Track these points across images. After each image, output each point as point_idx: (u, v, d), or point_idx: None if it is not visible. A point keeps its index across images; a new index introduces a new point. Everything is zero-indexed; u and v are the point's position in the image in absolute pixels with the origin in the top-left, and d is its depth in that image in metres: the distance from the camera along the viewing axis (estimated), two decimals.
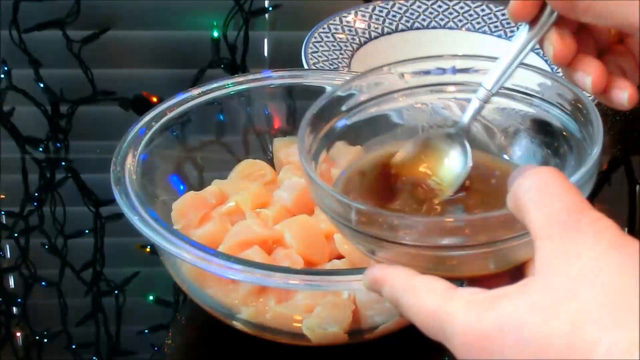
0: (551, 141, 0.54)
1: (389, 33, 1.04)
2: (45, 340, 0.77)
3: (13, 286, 0.82)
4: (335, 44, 1.00)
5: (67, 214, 0.88)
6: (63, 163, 0.96)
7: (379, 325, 0.68)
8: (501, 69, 0.53)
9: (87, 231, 0.86)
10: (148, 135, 0.75)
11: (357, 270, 0.64)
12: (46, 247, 0.85)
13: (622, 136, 0.98)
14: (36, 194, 0.91)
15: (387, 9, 1.05)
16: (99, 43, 1.12)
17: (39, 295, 0.81)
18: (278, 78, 0.82)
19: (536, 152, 0.55)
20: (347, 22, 1.03)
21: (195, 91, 0.79)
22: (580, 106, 0.52)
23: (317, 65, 0.95)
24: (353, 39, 1.02)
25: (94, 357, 0.76)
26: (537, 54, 0.90)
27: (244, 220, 0.73)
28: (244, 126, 0.83)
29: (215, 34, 1.14)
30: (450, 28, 1.05)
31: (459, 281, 0.46)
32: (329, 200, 0.48)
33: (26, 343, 0.77)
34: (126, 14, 1.19)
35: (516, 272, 0.46)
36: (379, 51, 1.02)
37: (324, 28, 1.01)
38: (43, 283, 0.82)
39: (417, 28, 1.05)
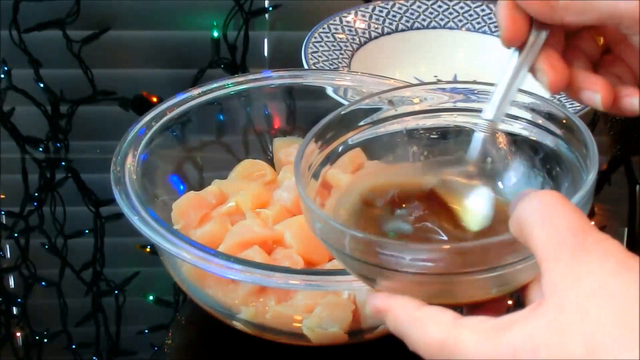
0: (545, 165, 0.54)
1: (389, 33, 1.04)
2: (45, 340, 0.77)
3: (13, 286, 0.82)
4: (335, 44, 1.00)
5: (67, 214, 0.88)
6: (63, 163, 0.96)
7: (379, 325, 0.68)
8: (499, 97, 0.53)
9: (87, 231, 0.86)
10: (148, 135, 0.75)
11: None
12: (46, 247, 0.85)
13: (622, 136, 0.98)
14: (36, 194, 0.91)
15: (387, 9, 1.05)
16: (99, 43, 1.12)
17: (39, 295, 0.81)
18: (278, 78, 0.82)
19: (530, 176, 0.55)
20: (347, 22, 1.03)
21: (195, 91, 0.79)
22: (573, 128, 0.51)
23: (317, 65, 0.95)
24: (353, 39, 1.02)
25: (94, 357, 0.76)
26: None
27: (244, 220, 0.73)
28: (244, 126, 0.83)
29: (215, 34, 1.14)
30: (450, 28, 1.05)
31: (457, 309, 0.45)
32: (327, 229, 0.47)
33: (26, 343, 0.77)
34: (126, 14, 1.19)
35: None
36: (379, 51, 1.02)
37: (324, 28, 1.01)
38: (43, 283, 0.82)
39: (417, 28, 1.05)
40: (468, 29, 1.04)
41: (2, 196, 0.91)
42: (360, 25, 1.03)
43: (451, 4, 1.06)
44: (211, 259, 0.63)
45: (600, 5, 0.49)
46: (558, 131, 0.53)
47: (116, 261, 0.84)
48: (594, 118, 0.98)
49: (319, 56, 0.97)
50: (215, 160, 0.82)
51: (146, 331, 0.77)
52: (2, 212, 0.89)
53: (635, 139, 0.98)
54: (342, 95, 0.83)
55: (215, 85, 0.80)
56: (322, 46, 0.99)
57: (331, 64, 0.96)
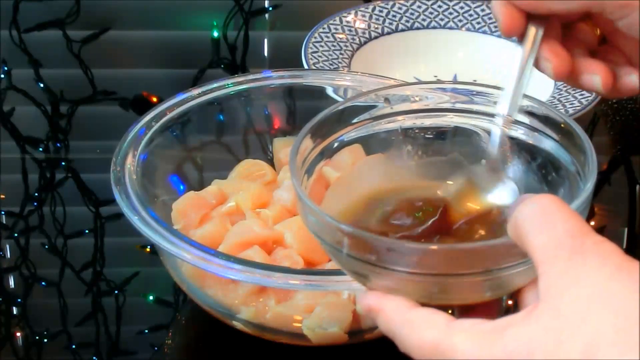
0: (542, 170, 0.54)
1: (389, 33, 1.04)
2: (45, 340, 0.77)
3: (13, 286, 0.81)
4: (335, 44, 1.00)
5: (67, 214, 0.88)
6: (63, 163, 0.95)
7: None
8: (511, 91, 0.53)
9: (87, 231, 0.86)
10: (148, 135, 0.75)
11: None
12: (46, 247, 0.85)
13: (622, 136, 0.98)
14: (36, 194, 0.91)
15: (387, 9, 1.05)
16: (99, 43, 1.12)
17: (39, 295, 0.81)
18: (278, 78, 0.82)
19: (528, 181, 0.54)
20: (347, 22, 1.03)
21: (195, 91, 0.80)
22: (572, 134, 0.51)
23: (317, 65, 0.95)
24: (353, 39, 1.02)
25: (94, 357, 0.76)
26: None
27: (244, 220, 0.73)
28: (244, 126, 0.83)
29: (215, 34, 1.14)
30: (450, 28, 1.05)
31: (447, 310, 0.45)
32: (322, 224, 0.47)
33: (26, 343, 0.77)
34: (126, 14, 1.19)
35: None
36: (379, 51, 1.02)
37: (324, 28, 1.01)
38: (43, 283, 0.82)
39: (417, 28, 1.05)
40: (468, 29, 1.04)
41: (2, 196, 0.91)
42: (360, 25, 1.03)
43: (451, 4, 1.06)
44: (211, 259, 0.63)
45: None
46: (556, 136, 0.53)
47: (116, 261, 0.84)
48: (594, 118, 0.98)
49: (319, 56, 0.97)
50: (215, 160, 0.82)
51: (146, 331, 0.77)
52: (2, 212, 0.89)
53: (635, 139, 0.98)
54: (342, 95, 0.83)
55: (215, 85, 0.80)
56: (322, 46, 0.99)
57: (331, 64, 0.96)
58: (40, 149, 0.97)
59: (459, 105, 0.56)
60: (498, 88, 0.54)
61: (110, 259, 0.83)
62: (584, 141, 0.50)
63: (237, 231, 0.71)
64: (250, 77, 0.82)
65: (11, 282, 0.82)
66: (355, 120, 0.56)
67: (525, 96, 0.54)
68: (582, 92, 0.90)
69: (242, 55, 1.12)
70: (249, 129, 0.83)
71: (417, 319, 0.44)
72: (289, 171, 0.77)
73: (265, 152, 0.83)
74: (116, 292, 0.80)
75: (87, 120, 1.02)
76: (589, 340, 0.38)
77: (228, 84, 0.81)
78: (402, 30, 1.04)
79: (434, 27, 1.05)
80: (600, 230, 0.84)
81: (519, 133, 0.54)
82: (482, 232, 0.49)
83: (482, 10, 1.05)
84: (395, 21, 1.05)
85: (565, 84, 0.92)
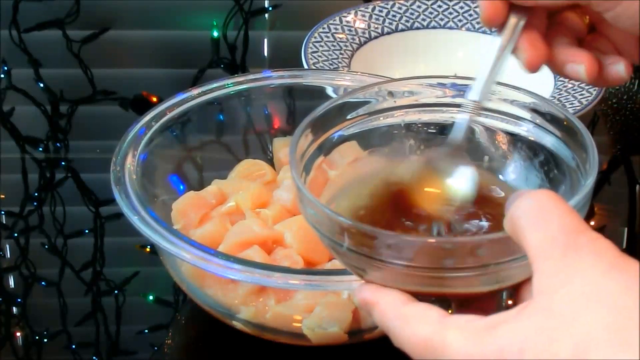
0: (543, 166, 0.54)
1: (388, 33, 1.04)
2: (45, 340, 0.77)
3: (13, 286, 0.81)
4: (335, 44, 1.00)
5: (67, 213, 0.88)
6: (63, 163, 0.95)
7: (379, 325, 0.68)
8: (484, 78, 0.53)
9: (87, 231, 0.86)
10: (148, 135, 0.75)
11: None
12: (46, 247, 0.85)
13: (622, 136, 0.98)
14: (36, 194, 0.91)
15: (387, 9, 1.05)
16: (98, 43, 1.12)
17: (39, 295, 0.81)
18: (278, 78, 0.82)
19: (529, 177, 0.54)
20: (347, 22, 1.03)
21: (195, 91, 0.80)
22: (574, 131, 0.51)
23: (317, 65, 0.95)
24: (353, 39, 1.02)
25: (94, 357, 0.76)
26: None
27: (244, 220, 0.73)
28: (244, 126, 0.83)
29: (215, 33, 1.14)
30: (450, 28, 1.05)
31: (445, 304, 0.45)
32: (320, 216, 0.47)
33: (26, 343, 0.77)
34: (126, 14, 1.19)
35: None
36: (379, 51, 1.02)
37: (324, 28, 1.01)
38: (43, 283, 0.82)
39: (417, 28, 1.05)
40: (468, 29, 1.04)
41: (2, 196, 0.91)
42: (360, 25, 1.03)
43: (451, 4, 1.06)
44: (211, 258, 0.63)
45: None
46: (558, 133, 0.53)
47: (116, 261, 0.84)
48: (594, 118, 0.98)
49: (319, 56, 0.97)
50: (215, 160, 0.82)
51: (146, 331, 0.77)
52: (2, 212, 0.89)
53: (635, 138, 0.98)
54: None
55: (215, 85, 0.80)
56: (322, 46, 0.99)
57: (331, 64, 0.96)
58: (40, 149, 0.97)
59: (457, 100, 0.56)
60: (502, 84, 0.54)
61: (110, 258, 0.83)
62: (585, 138, 0.50)
63: (237, 231, 0.71)
64: (250, 77, 0.82)
65: (11, 282, 0.82)
66: (352, 115, 0.56)
67: (529, 92, 0.54)
68: (582, 92, 0.90)
69: (242, 55, 1.12)
70: (249, 128, 0.83)
71: (411, 314, 0.44)
72: (289, 171, 0.78)
73: (265, 152, 0.83)
74: (116, 292, 0.80)
75: (87, 120, 1.02)
76: (580, 339, 0.38)
77: (228, 84, 0.81)
78: (402, 30, 1.04)
79: (434, 27, 1.05)
80: (600, 229, 0.84)
81: (521, 129, 0.54)
82: (483, 225, 0.50)
83: None
84: (395, 21, 1.05)
85: (565, 84, 0.92)
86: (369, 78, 0.82)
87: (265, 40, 1.17)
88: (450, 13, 1.06)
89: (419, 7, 1.06)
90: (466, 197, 0.51)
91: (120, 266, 0.83)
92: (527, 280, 0.44)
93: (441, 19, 1.05)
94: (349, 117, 0.55)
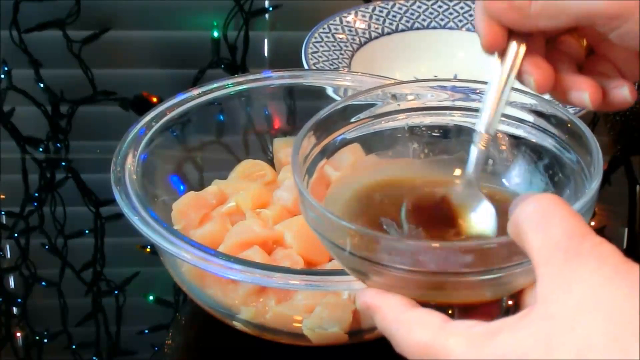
0: (548, 170, 0.53)
1: (389, 33, 1.04)
2: (45, 340, 0.77)
3: (13, 286, 0.82)
4: (335, 44, 1.00)
5: (67, 214, 0.88)
6: (63, 163, 0.96)
7: (380, 329, 0.67)
8: (489, 109, 0.51)
9: (87, 231, 0.86)
10: (148, 136, 0.75)
11: None
12: (46, 247, 0.85)
13: (622, 136, 0.98)
14: (36, 194, 0.91)
15: (387, 9, 1.05)
16: (99, 43, 1.12)
17: (39, 295, 0.81)
18: (278, 78, 0.82)
19: (533, 181, 0.54)
20: (347, 22, 1.03)
21: (196, 91, 0.80)
22: (579, 134, 0.51)
23: (317, 66, 0.95)
24: (353, 39, 1.02)
25: (94, 357, 0.76)
26: None
27: (244, 220, 0.73)
28: (244, 126, 0.83)
29: (216, 34, 1.14)
30: (451, 28, 1.05)
31: (447, 310, 0.45)
32: (322, 220, 0.47)
33: (26, 343, 0.77)
34: (126, 14, 1.19)
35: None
36: (379, 51, 1.02)
37: (324, 28, 1.01)
38: (43, 283, 0.82)
39: (417, 28, 1.05)
40: (468, 29, 1.04)
41: (2, 196, 0.91)
42: (360, 25, 1.03)
43: (451, 4, 1.06)
44: (211, 259, 0.63)
45: (572, 7, 0.48)
46: (562, 136, 0.52)
47: (116, 261, 0.84)
48: (594, 118, 0.98)
49: (319, 56, 0.97)
50: (216, 160, 0.82)
51: (146, 331, 0.77)
52: (3, 212, 0.89)
53: (635, 139, 0.98)
54: (342, 95, 0.83)
55: (215, 85, 0.80)
56: (322, 46, 0.99)
57: (331, 64, 0.96)
58: (41, 149, 0.97)
59: (459, 104, 0.56)
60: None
61: (111, 259, 0.83)
62: (590, 141, 0.50)
63: (237, 231, 0.71)
64: (251, 77, 0.82)
65: (11, 282, 0.82)
66: (355, 118, 0.55)
67: (530, 94, 0.53)
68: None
69: (242, 56, 1.12)
70: (249, 129, 0.83)
71: (412, 319, 0.44)
72: (289, 171, 0.78)
73: (265, 152, 0.83)
74: (116, 292, 0.80)
75: (87, 120, 1.02)
76: (580, 346, 0.38)
77: (228, 84, 0.81)
78: (402, 30, 1.05)
79: (434, 28, 1.05)
80: (600, 230, 0.84)
81: (525, 132, 0.54)
82: (485, 230, 0.49)
83: None
84: (396, 21, 1.05)
85: None
86: (369, 78, 0.82)
87: (266, 41, 1.17)
88: (451, 13, 1.06)
89: (419, 7, 1.06)
90: (474, 218, 0.51)
91: (121, 266, 0.83)
92: (531, 285, 0.44)
93: (441, 20, 1.05)
94: (352, 120, 0.55)
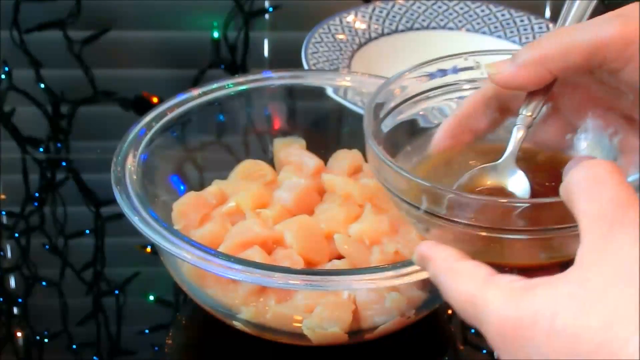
0: (613, 137, 0.52)
1: (389, 34, 1.04)
2: (45, 340, 0.77)
3: (13, 286, 0.82)
4: (335, 44, 1.00)
5: (68, 214, 0.88)
6: (64, 163, 0.96)
7: (379, 325, 0.68)
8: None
9: (87, 231, 0.86)
10: (148, 136, 0.75)
11: (357, 271, 0.65)
12: (47, 247, 0.85)
13: None
14: (37, 194, 0.91)
15: (387, 9, 1.05)
16: (99, 43, 1.13)
17: (39, 295, 0.81)
18: (278, 78, 0.82)
19: (603, 146, 0.52)
20: (347, 22, 1.03)
21: (196, 92, 0.80)
22: None
23: (317, 66, 0.95)
24: (353, 39, 1.02)
25: (94, 357, 0.76)
26: None
27: (244, 220, 0.73)
28: (244, 126, 0.83)
29: (216, 34, 1.14)
30: (450, 29, 1.05)
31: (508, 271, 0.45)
32: (390, 175, 0.48)
33: (26, 343, 0.77)
34: (126, 14, 1.19)
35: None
36: (379, 52, 1.02)
37: (324, 28, 1.02)
38: (43, 283, 0.82)
39: (417, 29, 1.05)
40: (468, 30, 1.05)
41: (3, 196, 0.91)
42: (360, 25, 1.03)
43: (451, 4, 1.06)
44: (211, 259, 0.63)
45: (583, 37, 0.47)
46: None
47: (116, 261, 0.84)
48: None
49: (319, 57, 0.97)
50: (216, 160, 0.82)
51: (146, 331, 0.77)
52: (3, 212, 0.89)
53: None
54: (342, 95, 0.83)
55: (215, 85, 0.80)
56: (322, 47, 0.99)
57: (331, 65, 0.96)
58: (41, 149, 0.97)
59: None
60: None
61: (111, 259, 0.83)
62: None
63: (237, 231, 0.71)
64: (251, 77, 0.82)
65: (12, 282, 0.82)
66: (392, 105, 0.55)
67: None
68: None
69: (243, 56, 1.12)
70: (249, 129, 0.84)
71: (461, 269, 0.45)
72: (289, 171, 0.78)
73: (265, 153, 0.83)
74: (116, 292, 0.80)
75: (87, 120, 1.02)
76: (607, 314, 0.38)
77: (228, 85, 0.81)
78: (402, 30, 1.05)
79: (434, 28, 1.05)
80: None
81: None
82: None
83: (482, 11, 1.06)
84: (395, 22, 1.05)
85: None
86: (369, 78, 0.82)
87: (266, 41, 1.17)
88: (451, 14, 1.06)
89: (419, 7, 1.06)
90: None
91: (121, 266, 0.83)
92: None
93: (441, 20, 1.05)
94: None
